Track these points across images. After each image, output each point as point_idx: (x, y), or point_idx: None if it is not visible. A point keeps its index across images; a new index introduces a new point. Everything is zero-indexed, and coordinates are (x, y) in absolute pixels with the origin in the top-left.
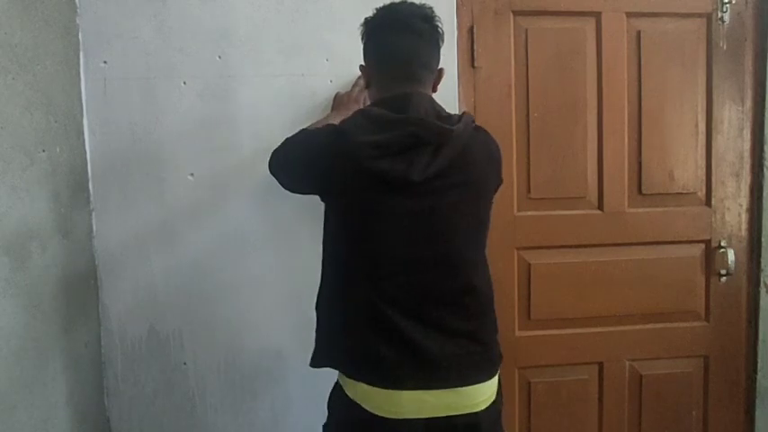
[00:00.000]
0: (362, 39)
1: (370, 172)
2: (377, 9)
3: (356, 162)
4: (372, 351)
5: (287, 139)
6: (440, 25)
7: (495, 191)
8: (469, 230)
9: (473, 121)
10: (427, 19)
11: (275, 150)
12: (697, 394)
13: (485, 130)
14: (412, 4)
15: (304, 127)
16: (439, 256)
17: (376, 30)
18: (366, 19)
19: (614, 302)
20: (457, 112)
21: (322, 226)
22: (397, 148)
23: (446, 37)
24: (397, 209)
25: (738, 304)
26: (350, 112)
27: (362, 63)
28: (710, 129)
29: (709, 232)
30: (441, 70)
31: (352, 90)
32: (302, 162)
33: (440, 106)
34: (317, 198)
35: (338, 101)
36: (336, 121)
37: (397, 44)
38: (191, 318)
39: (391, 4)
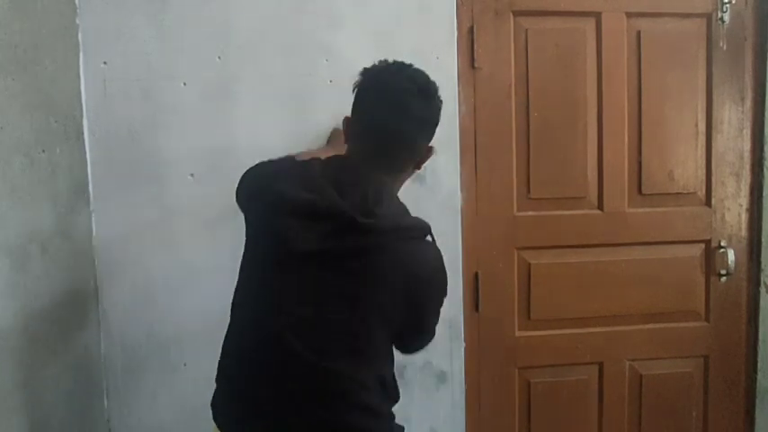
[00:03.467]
0: (353, 90)
1: (279, 223)
2: (375, 64)
3: (272, 208)
4: None
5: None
6: (438, 102)
7: (412, 329)
8: (343, 340)
9: (422, 234)
10: (427, 97)
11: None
12: (697, 394)
13: (431, 253)
14: (415, 73)
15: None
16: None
17: (369, 94)
18: (362, 72)
19: (614, 302)
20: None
21: None
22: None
23: (446, 37)
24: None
25: (738, 304)
26: (342, 150)
27: (348, 115)
28: (710, 129)
29: (709, 232)
30: (429, 148)
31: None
32: (248, 178)
33: (389, 195)
34: None
35: (334, 135)
36: (324, 155)
37: (380, 117)
38: (191, 318)
39: (390, 68)
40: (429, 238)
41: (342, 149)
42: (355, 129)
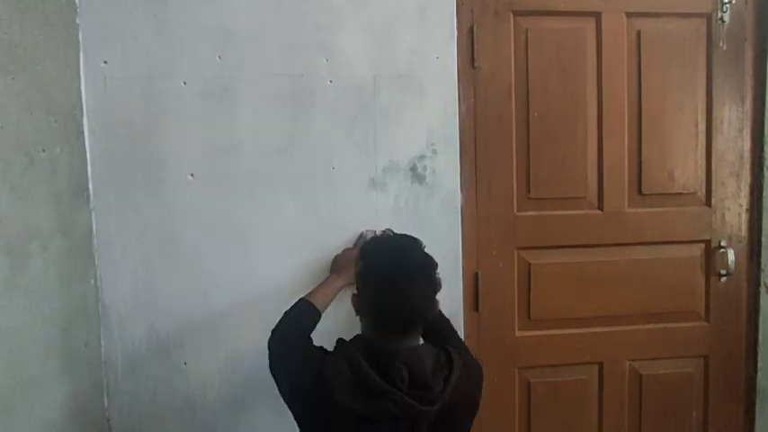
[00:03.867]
0: (357, 266)
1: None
2: (375, 245)
3: (333, 413)
4: None
5: (282, 321)
6: (437, 275)
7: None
8: None
9: (462, 366)
10: (427, 275)
11: (274, 331)
12: (697, 394)
13: (471, 371)
14: (414, 254)
15: (303, 297)
16: None
17: (375, 281)
18: (368, 251)
19: (614, 302)
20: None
21: (323, 224)
22: (375, 417)
23: (446, 37)
24: None
25: (738, 304)
26: (350, 274)
27: (355, 292)
28: (710, 129)
29: (709, 232)
30: (435, 306)
31: (352, 249)
32: (285, 376)
33: (434, 356)
34: (317, 197)
35: (338, 263)
36: (337, 284)
37: (398, 304)
38: (191, 317)
39: (393, 254)
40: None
41: (348, 274)
42: (374, 314)
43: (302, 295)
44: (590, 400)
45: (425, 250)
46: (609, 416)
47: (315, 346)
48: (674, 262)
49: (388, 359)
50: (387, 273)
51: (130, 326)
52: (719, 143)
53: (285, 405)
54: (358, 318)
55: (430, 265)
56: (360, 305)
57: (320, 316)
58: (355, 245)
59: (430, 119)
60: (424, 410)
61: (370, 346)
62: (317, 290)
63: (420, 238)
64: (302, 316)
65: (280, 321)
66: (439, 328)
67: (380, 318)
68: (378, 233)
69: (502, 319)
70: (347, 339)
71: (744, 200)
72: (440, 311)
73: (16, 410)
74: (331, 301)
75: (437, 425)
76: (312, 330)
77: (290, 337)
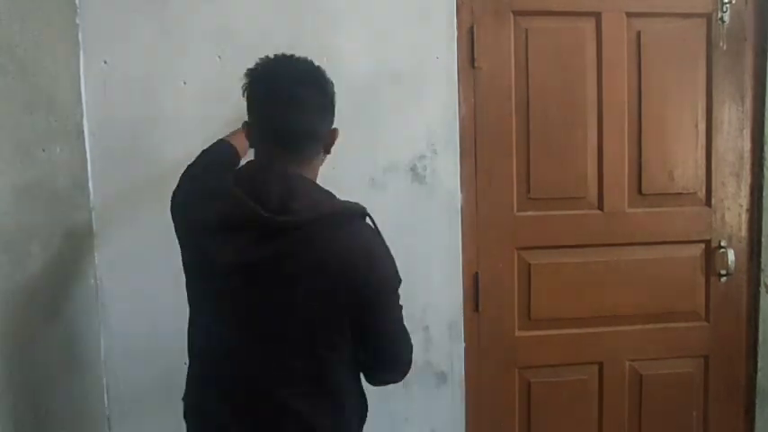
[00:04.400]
0: (243, 93)
1: (194, 245)
2: (258, 63)
3: (187, 227)
4: None
5: (198, 157)
6: (328, 85)
7: (373, 337)
8: (295, 335)
9: (351, 217)
10: (313, 81)
11: (188, 167)
12: (697, 394)
13: (365, 236)
14: (296, 62)
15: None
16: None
17: (254, 94)
18: (247, 73)
19: (614, 302)
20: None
21: None
22: (215, 227)
23: (446, 37)
24: (219, 288)
25: (738, 304)
26: None
27: (246, 120)
28: (710, 129)
29: (709, 232)
30: (333, 131)
31: None
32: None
33: (305, 186)
34: None
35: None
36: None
37: (274, 115)
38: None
39: (272, 64)
40: (368, 220)
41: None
42: (254, 131)
43: None
44: (590, 400)
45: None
46: (609, 416)
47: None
48: (674, 262)
49: (262, 178)
50: (269, 78)
51: (130, 326)
52: (719, 143)
53: None
54: None
55: (321, 71)
56: (249, 128)
57: (240, 159)
58: None
59: (430, 119)
60: (268, 218)
61: (250, 167)
62: (234, 133)
63: (420, 238)
64: (221, 155)
65: (196, 158)
66: None
67: (266, 130)
68: None
69: (502, 319)
70: None
71: (744, 200)
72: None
73: (16, 410)
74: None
75: (298, 262)
76: (231, 167)
77: (206, 171)
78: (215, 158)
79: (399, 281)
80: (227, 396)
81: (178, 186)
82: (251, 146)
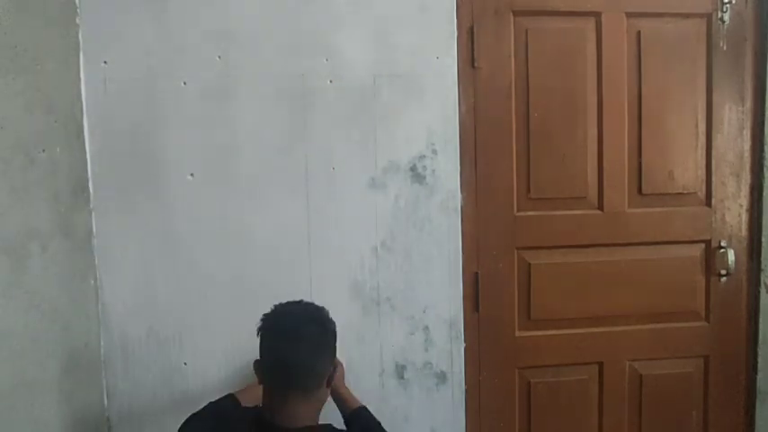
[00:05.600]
0: (257, 335)
1: None
2: (275, 307)
3: None
4: None
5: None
6: (332, 325)
7: None
8: None
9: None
10: (317, 322)
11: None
12: (697, 394)
13: None
14: (306, 306)
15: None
16: None
17: (267, 334)
18: (263, 317)
19: (614, 302)
20: None
21: (323, 224)
22: None
23: (446, 37)
24: None
25: (738, 304)
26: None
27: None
28: (710, 129)
29: (709, 232)
30: (336, 366)
31: None
32: None
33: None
34: (317, 197)
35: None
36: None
37: (283, 352)
38: (190, 318)
39: (284, 307)
40: None
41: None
42: (264, 371)
43: (301, 295)
44: (590, 400)
45: (328, 315)
46: (609, 416)
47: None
48: (674, 262)
49: (271, 414)
50: (280, 319)
51: (130, 326)
52: (719, 143)
53: None
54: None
55: (325, 313)
56: (260, 368)
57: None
58: None
59: (430, 119)
60: None
61: (258, 415)
62: (248, 387)
63: (420, 238)
64: (222, 407)
65: (202, 408)
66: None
67: (272, 369)
68: None
69: (502, 320)
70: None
71: (744, 200)
72: (364, 410)
73: (16, 410)
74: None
75: None
76: (227, 416)
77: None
78: (221, 411)
79: None
80: None
81: None
82: (260, 383)
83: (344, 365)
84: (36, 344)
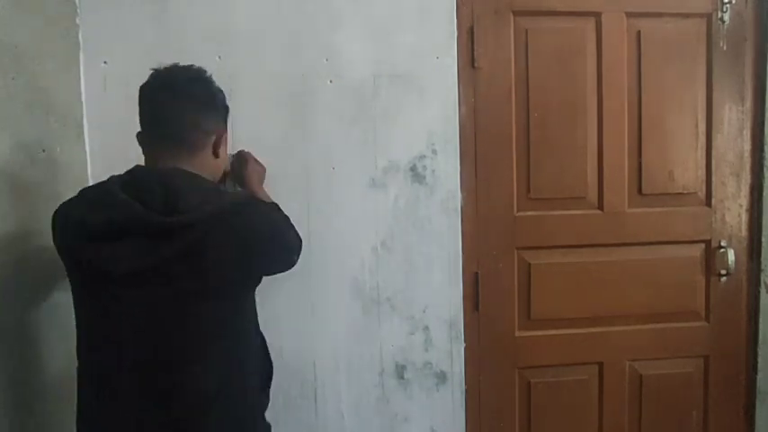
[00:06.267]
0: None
1: (78, 258)
2: (152, 72)
3: (67, 245)
4: None
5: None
6: (214, 86)
7: (251, 284)
8: (189, 332)
9: (234, 204)
10: (198, 81)
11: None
12: (697, 394)
13: (251, 212)
14: (183, 67)
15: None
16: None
17: (144, 96)
18: (142, 86)
19: (614, 302)
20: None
21: (323, 224)
22: (102, 235)
23: (446, 37)
24: (109, 304)
25: (738, 304)
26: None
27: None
28: (710, 129)
29: (709, 232)
30: (221, 132)
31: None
32: None
33: (191, 183)
34: (317, 197)
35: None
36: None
37: (161, 108)
38: None
39: (162, 69)
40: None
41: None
42: (142, 129)
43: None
44: (590, 400)
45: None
46: (609, 416)
47: None
48: (674, 262)
49: (147, 180)
50: (158, 78)
51: None
52: (719, 143)
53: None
54: None
55: (203, 72)
56: (139, 134)
57: None
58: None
59: (430, 119)
60: (156, 221)
61: (135, 170)
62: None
63: (420, 238)
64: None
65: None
66: None
67: (148, 124)
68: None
69: (502, 319)
70: None
71: (744, 200)
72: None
73: (16, 410)
74: None
75: (192, 256)
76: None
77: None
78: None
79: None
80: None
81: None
82: (142, 150)
83: (343, 360)
84: (37, 344)
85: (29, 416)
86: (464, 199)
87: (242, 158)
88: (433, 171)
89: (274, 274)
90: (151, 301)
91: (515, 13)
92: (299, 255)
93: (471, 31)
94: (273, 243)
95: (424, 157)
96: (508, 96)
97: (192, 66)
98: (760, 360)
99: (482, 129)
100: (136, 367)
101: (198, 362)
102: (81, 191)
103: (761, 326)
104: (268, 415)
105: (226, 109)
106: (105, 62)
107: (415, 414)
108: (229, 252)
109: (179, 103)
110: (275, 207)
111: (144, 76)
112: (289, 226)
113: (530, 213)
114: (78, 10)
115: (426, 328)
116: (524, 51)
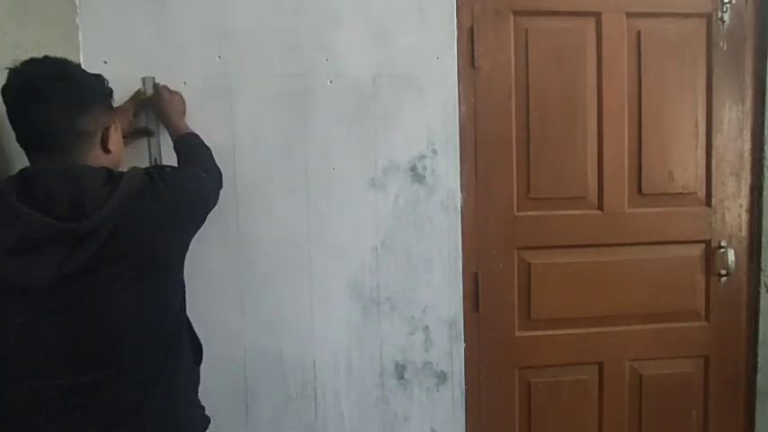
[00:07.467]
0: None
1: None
2: (9, 72)
3: None
4: None
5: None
6: (80, 78)
7: (180, 250)
8: (136, 317)
9: (137, 190)
10: (60, 77)
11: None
12: (697, 394)
13: (155, 190)
14: (45, 62)
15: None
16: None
17: (9, 102)
18: (2, 88)
19: (614, 302)
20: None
21: (323, 224)
22: (12, 249)
23: (446, 37)
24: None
25: (738, 304)
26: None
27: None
28: (710, 129)
29: (709, 232)
30: (106, 128)
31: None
32: None
33: (91, 177)
34: (317, 197)
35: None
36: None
37: (29, 117)
38: (190, 318)
39: (21, 68)
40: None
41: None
42: (19, 138)
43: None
44: (590, 400)
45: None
46: (609, 416)
47: None
48: (674, 262)
49: (30, 182)
50: (19, 81)
51: None
52: (719, 143)
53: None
54: None
55: (68, 69)
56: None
57: None
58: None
59: (430, 119)
60: (69, 228)
61: (26, 176)
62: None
63: (420, 238)
64: None
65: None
66: (182, 152)
67: (25, 137)
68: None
69: (502, 319)
70: None
71: (744, 200)
72: (192, 135)
73: None
74: None
75: (113, 247)
76: None
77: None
78: None
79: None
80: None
81: None
82: (25, 153)
83: (343, 360)
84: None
85: None
86: (464, 199)
87: (157, 93)
88: (433, 171)
89: (199, 226)
90: (77, 301)
91: (515, 13)
92: (217, 195)
93: (471, 31)
94: (184, 208)
95: (424, 157)
96: (508, 96)
97: (50, 58)
98: (760, 360)
99: (482, 129)
100: (63, 373)
101: (130, 346)
102: None
103: (761, 326)
104: (268, 414)
105: (105, 95)
106: (105, 62)
107: (415, 414)
108: (146, 235)
109: (47, 110)
110: (192, 143)
111: (144, 76)
112: (196, 176)
113: (530, 213)
114: (78, 10)
115: (426, 328)
116: (524, 51)
